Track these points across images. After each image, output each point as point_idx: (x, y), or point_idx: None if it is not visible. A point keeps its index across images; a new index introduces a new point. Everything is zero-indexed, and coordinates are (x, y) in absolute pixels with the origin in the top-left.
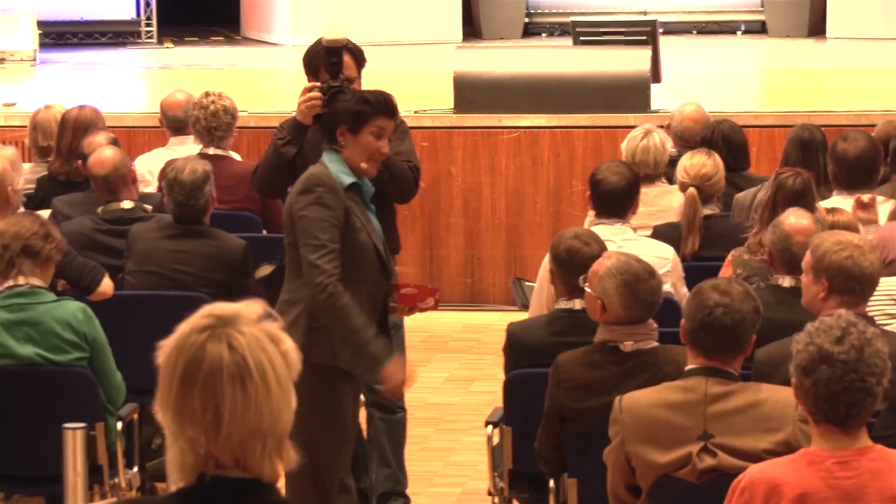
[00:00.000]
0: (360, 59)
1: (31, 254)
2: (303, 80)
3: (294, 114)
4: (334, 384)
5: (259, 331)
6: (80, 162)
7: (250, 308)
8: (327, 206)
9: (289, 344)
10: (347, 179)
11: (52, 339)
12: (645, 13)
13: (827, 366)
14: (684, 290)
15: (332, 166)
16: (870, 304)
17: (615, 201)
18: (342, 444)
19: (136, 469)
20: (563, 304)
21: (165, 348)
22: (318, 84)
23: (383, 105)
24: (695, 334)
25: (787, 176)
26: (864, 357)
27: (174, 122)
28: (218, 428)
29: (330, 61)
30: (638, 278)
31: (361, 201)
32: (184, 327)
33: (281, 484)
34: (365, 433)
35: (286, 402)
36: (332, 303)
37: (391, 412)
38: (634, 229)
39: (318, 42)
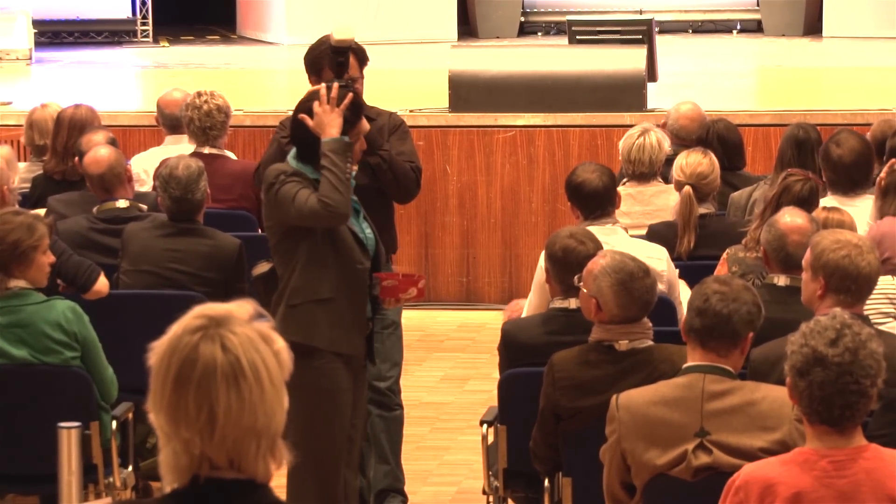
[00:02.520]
0: (362, 58)
1: (11, 258)
2: (299, 79)
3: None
4: (317, 362)
5: (251, 331)
6: (76, 159)
7: (242, 308)
8: (294, 180)
9: (280, 343)
10: (312, 175)
11: (43, 342)
12: (641, 12)
13: (821, 368)
14: (677, 293)
15: (295, 164)
16: (866, 303)
17: (601, 199)
18: (338, 422)
19: (130, 468)
20: (559, 304)
21: (158, 350)
22: (323, 85)
23: (357, 113)
24: (690, 322)
25: (797, 180)
26: (858, 359)
27: (171, 121)
28: (213, 429)
29: (337, 60)
30: (633, 277)
31: None
32: (176, 328)
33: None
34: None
35: (279, 402)
36: (325, 203)
37: (389, 409)
38: (626, 229)
39: (321, 41)
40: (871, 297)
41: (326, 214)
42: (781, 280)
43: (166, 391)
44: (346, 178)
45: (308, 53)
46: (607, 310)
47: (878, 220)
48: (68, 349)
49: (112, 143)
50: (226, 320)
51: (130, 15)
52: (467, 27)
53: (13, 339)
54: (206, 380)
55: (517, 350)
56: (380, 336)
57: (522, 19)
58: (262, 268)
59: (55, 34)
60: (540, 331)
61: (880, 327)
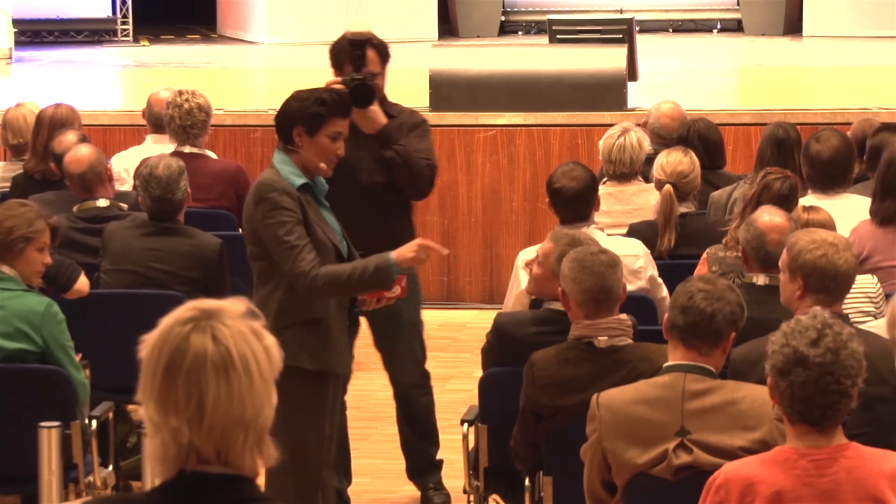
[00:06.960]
0: (384, 54)
1: (2, 243)
2: (280, 78)
3: None
4: (306, 384)
5: (243, 325)
6: (52, 164)
7: (234, 304)
8: (284, 207)
9: (271, 340)
10: (298, 181)
11: (3, 327)
12: (621, 11)
13: (802, 368)
14: (661, 283)
15: (282, 168)
16: (846, 302)
17: (579, 206)
18: (321, 442)
19: (111, 468)
20: (556, 305)
21: (149, 340)
22: (342, 77)
23: (340, 106)
24: (673, 319)
25: (776, 178)
26: (839, 359)
27: (156, 119)
28: (201, 418)
29: (354, 54)
30: (587, 251)
31: (315, 200)
32: (167, 320)
33: (261, 481)
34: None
35: (268, 396)
36: (321, 284)
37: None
38: (602, 228)
39: (342, 36)
40: (851, 295)
41: (303, 288)
42: (760, 279)
43: (156, 380)
44: (357, 290)
45: (331, 49)
46: (569, 290)
47: None
48: (27, 341)
49: (83, 140)
50: (218, 313)
51: (110, 14)
52: (448, 26)
53: None
54: (196, 369)
55: (511, 344)
56: (399, 334)
57: (503, 18)
58: None
59: (35, 33)
60: (535, 329)
61: (860, 326)
